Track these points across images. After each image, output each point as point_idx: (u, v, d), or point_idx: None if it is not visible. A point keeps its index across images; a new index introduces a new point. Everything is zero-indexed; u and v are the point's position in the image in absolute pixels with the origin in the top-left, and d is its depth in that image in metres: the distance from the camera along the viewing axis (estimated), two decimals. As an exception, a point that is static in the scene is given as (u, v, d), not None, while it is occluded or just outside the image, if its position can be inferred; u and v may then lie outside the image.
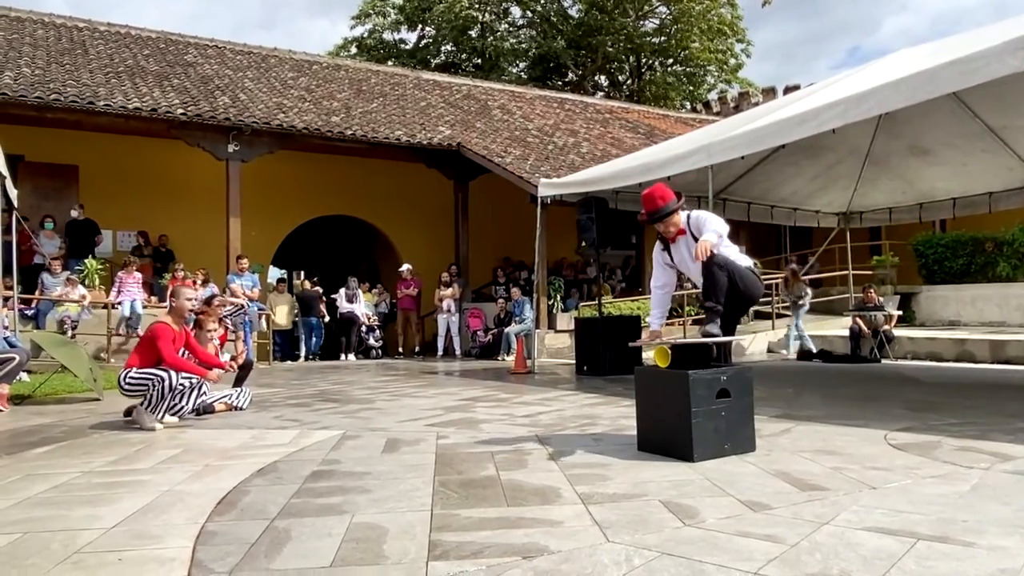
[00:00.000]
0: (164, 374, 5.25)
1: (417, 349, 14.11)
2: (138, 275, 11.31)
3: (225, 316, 7.14)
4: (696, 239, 4.06)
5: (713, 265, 3.94)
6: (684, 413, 3.67)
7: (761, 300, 14.54)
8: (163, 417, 5.27)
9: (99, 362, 9.63)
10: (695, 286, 4.35)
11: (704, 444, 3.68)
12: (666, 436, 3.83)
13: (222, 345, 6.78)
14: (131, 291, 11.03)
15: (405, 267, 14.09)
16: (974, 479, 3.24)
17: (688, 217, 4.20)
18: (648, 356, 9.99)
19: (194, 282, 11.39)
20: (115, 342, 10.71)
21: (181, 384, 5.37)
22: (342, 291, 13.57)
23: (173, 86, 12.95)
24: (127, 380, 5.29)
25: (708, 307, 4.01)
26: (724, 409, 3.76)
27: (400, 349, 13.85)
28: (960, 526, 2.56)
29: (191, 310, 5.88)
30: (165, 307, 10.95)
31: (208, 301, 6.83)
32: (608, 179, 8.73)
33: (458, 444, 4.34)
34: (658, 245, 4.39)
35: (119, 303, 10.86)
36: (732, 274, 4.01)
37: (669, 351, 3.88)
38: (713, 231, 3.93)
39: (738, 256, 4.18)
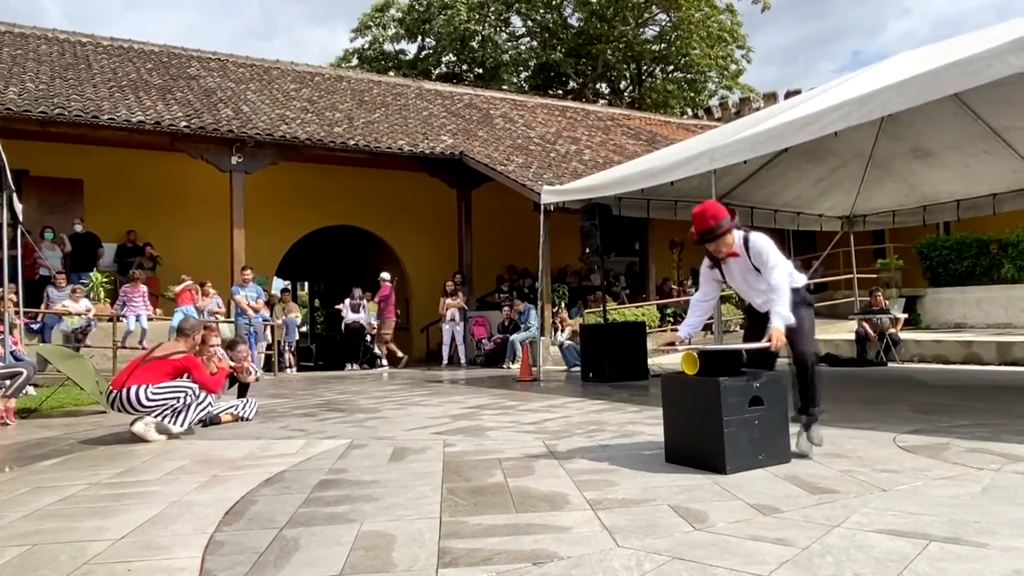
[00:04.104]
0: (195, 386, 5.42)
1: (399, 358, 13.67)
2: (143, 288, 11.32)
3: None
4: (754, 267, 3.90)
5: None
6: (715, 423, 3.49)
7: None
8: (171, 425, 5.25)
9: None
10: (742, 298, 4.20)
11: (737, 455, 3.49)
12: (696, 447, 3.65)
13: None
14: (136, 305, 11.03)
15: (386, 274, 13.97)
16: (985, 480, 3.22)
17: (746, 241, 3.93)
18: (654, 362, 9.99)
19: (197, 292, 11.43)
20: (121, 355, 10.72)
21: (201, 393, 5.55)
22: (347, 301, 13.58)
23: (176, 99, 13.02)
24: (149, 397, 5.18)
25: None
26: (758, 418, 3.59)
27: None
28: (972, 527, 2.54)
29: (212, 349, 5.96)
30: (169, 320, 11.10)
31: (231, 345, 6.87)
32: (611, 185, 8.74)
33: (465, 452, 4.33)
34: (706, 262, 4.17)
35: (124, 316, 10.86)
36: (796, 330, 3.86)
37: (697, 357, 3.71)
38: (779, 313, 3.70)
39: (795, 273, 3.99)
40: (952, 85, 5.08)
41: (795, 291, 3.90)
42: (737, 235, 3.96)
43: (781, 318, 3.72)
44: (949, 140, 8.49)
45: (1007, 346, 10.17)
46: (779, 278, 3.80)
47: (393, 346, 13.50)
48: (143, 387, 5.22)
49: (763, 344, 3.76)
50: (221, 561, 2.47)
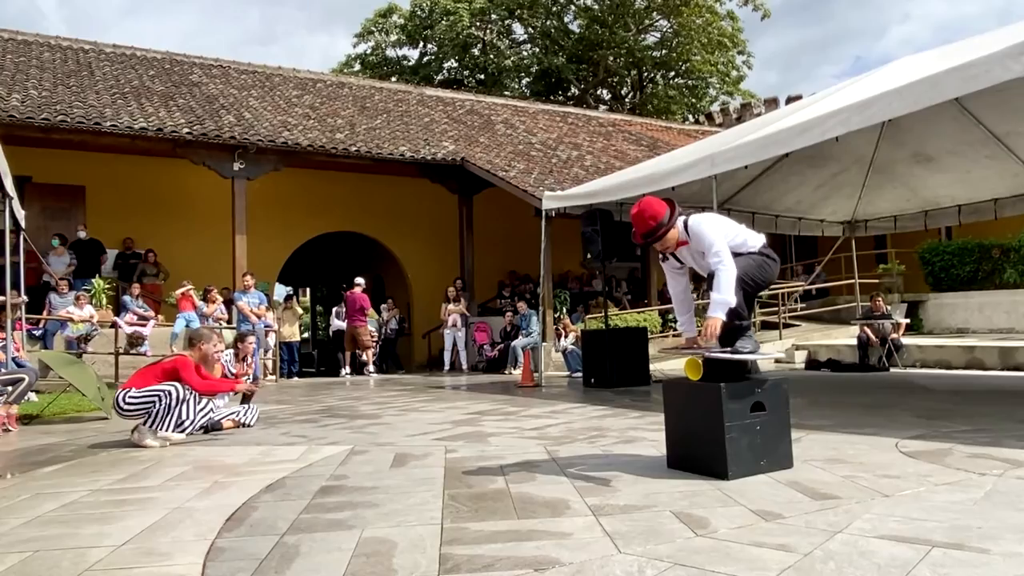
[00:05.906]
0: (171, 388, 5.25)
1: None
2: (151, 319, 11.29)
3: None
4: (701, 252, 3.76)
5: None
6: (717, 428, 3.45)
7: (769, 311, 14.60)
8: (169, 431, 5.25)
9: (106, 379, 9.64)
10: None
11: (739, 461, 3.46)
12: (697, 453, 3.62)
13: (239, 359, 6.81)
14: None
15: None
16: (987, 486, 3.21)
17: (687, 226, 3.77)
18: (656, 368, 9.97)
19: (196, 298, 11.45)
20: (123, 361, 10.72)
21: (187, 395, 5.37)
22: (335, 309, 13.57)
23: (178, 105, 13.06)
24: (127, 400, 5.21)
25: (735, 326, 3.70)
26: (759, 424, 3.56)
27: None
28: (975, 533, 2.53)
29: (216, 355, 5.95)
30: (169, 325, 11.11)
31: (240, 338, 6.91)
32: (612, 191, 8.75)
33: (467, 458, 4.33)
34: (659, 255, 4.10)
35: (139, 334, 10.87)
36: (741, 279, 3.70)
37: (701, 363, 3.66)
38: (715, 300, 3.53)
39: (750, 237, 3.87)
40: (953, 90, 5.09)
41: (750, 254, 3.79)
42: (679, 222, 3.81)
43: (717, 305, 3.54)
44: (950, 145, 8.50)
45: (1009, 351, 10.16)
46: (719, 265, 3.61)
47: (358, 353, 13.21)
48: (123, 392, 5.28)
49: (764, 356, 3.72)
50: (222, 567, 2.47)
